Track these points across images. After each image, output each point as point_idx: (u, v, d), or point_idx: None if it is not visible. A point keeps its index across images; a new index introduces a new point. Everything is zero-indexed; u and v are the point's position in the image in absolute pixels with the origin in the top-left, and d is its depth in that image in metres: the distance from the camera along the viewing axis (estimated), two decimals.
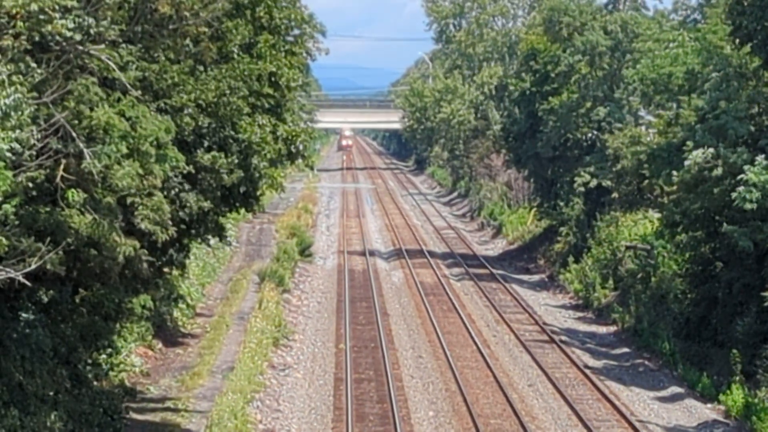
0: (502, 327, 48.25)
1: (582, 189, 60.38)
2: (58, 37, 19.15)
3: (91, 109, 20.26)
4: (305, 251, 65.65)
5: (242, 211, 30.92)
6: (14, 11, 18.57)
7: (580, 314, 53.07)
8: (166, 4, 21.30)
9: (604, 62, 61.39)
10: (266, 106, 27.12)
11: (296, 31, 29.53)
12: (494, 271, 64.50)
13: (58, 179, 19.96)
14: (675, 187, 41.26)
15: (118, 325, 32.95)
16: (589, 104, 62.08)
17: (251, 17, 27.10)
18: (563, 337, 46.39)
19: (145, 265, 22.87)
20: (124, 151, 20.35)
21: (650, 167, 44.95)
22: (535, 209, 76.39)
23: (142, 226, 22.18)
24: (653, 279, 48.16)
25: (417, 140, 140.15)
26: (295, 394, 36.04)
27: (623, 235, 54.59)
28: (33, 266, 18.84)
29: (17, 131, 18.11)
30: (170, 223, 22.86)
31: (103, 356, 32.75)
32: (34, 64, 18.98)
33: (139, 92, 22.15)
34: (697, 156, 38.70)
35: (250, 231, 74.10)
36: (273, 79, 27.28)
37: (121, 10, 21.18)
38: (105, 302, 28.10)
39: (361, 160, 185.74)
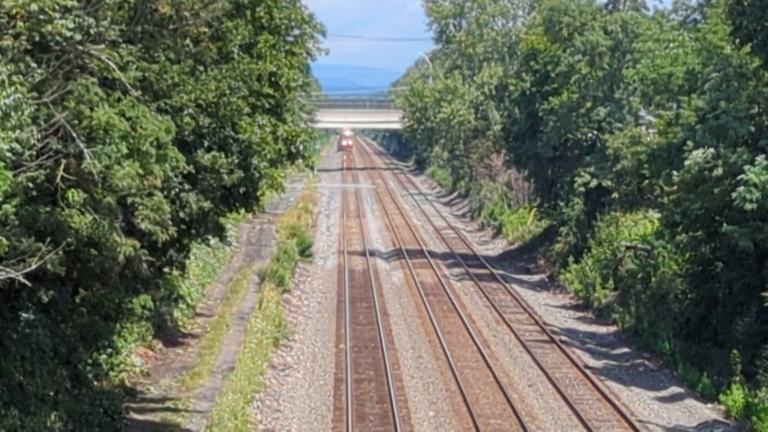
0: (503, 327, 48.25)
1: (582, 189, 60.38)
2: (58, 37, 19.16)
3: (92, 109, 20.27)
4: (305, 251, 65.66)
5: (242, 211, 30.91)
6: (14, 11, 18.57)
7: (581, 314, 53.07)
8: (166, 4, 21.30)
9: (604, 62, 61.38)
10: (266, 106, 27.13)
11: (296, 31, 29.55)
12: (494, 271, 64.50)
13: (58, 179, 19.96)
14: (675, 188, 41.26)
15: (118, 325, 32.98)
16: (589, 104, 62.08)
17: (251, 17, 27.11)
18: (563, 337, 46.39)
19: (145, 265, 22.87)
20: (125, 151, 20.35)
21: (650, 167, 44.94)
22: (535, 209, 76.39)
23: (143, 226, 22.19)
24: (653, 279, 48.17)
25: (417, 140, 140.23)
26: (296, 394, 36.04)
27: (623, 235, 54.59)
28: (33, 266, 18.84)
29: (17, 131, 18.12)
30: (170, 223, 22.87)
31: (103, 356, 32.75)
32: (34, 64, 18.98)
33: (139, 92, 22.16)
34: (697, 156, 38.70)
35: (250, 231, 74.10)
36: (273, 79, 27.29)
37: (121, 10, 21.19)
38: (105, 302, 28.13)
39: (361, 160, 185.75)
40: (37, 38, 19.00)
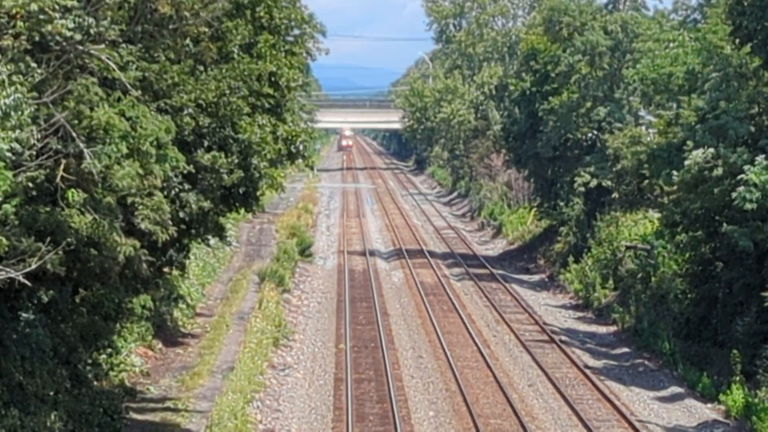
0: (502, 327, 48.25)
1: (582, 189, 60.38)
2: (58, 37, 19.16)
3: (91, 109, 20.27)
4: (305, 251, 65.66)
5: (242, 211, 30.91)
6: (14, 11, 18.57)
7: (580, 314, 53.07)
8: (166, 4, 21.30)
9: (604, 62, 61.38)
10: (266, 106, 27.13)
11: (296, 31, 29.54)
12: (494, 271, 64.50)
13: (58, 179, 19.96)
14: (675, 187, 41.26)
15: (118, 325, 32.98)
16: (589, 104, 62.08)
17: (251, 17, 27.11)
18: (563, 337, 46.40)
19: (144, 265, 22.87)
20: (125, 151, 20.35)
21: (650, 167, 44.94)
22: (535, 209, 76.38)
23: (143, 226, 22.19)
24: (653, 279, 48.16)
25: (417, 140, 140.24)
26: (295, 394, 36.04)
27: (623, 235, 54.59)
28: (33, 266, 18.84)
29: (17, 131, 18.12)
30: (170, 223, 22.87)
31: (103, 356, 32.75)
32: (34, 64, 18.98)
33: (139, 92, 22.16)
34: (697, 156, 38.70)
35: (250, 231, 74.11)
36: (273, 79, 27.29)
37: (121, 10, 21.20)
38: (105, 302, 28.14)
39: (361, 160, 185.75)
40: (37, 38, 19.00)
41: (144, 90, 22.97)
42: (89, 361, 30.92)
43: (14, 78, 18.38)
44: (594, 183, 59.48)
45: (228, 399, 31.63)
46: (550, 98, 64.32)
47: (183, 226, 25.77)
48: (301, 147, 29.14)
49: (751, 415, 33.19)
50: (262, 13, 27.45)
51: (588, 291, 54.63)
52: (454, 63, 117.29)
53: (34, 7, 18.52)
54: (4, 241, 18.55)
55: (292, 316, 48.91)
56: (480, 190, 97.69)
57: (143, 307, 36.72)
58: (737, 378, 35.81)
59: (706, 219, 40.65)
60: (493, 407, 34.71)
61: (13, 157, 18.37)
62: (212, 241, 36.93)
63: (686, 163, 39.07)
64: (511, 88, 74.56)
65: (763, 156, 36.56)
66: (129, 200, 21.82)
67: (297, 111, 30.30)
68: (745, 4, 38.31)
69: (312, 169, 74.79)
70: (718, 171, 38.04)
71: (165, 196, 23.05)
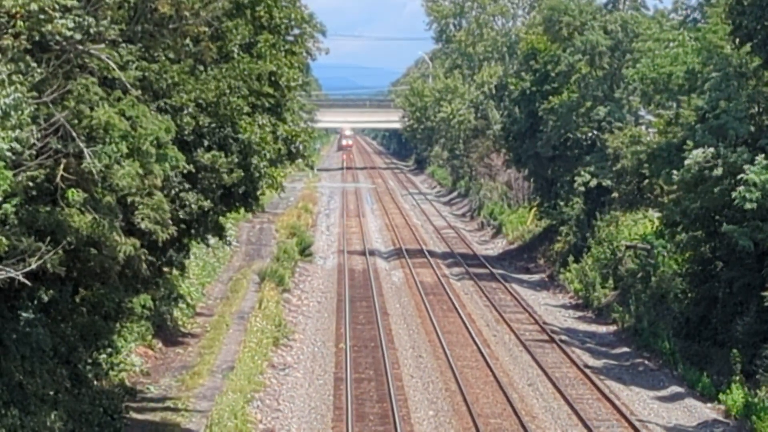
0: (502, 326, 48.25)
1: (582, 188, 60.37)
2: (58, 37, 19.16)
3: (91, 109, 20.27)
4: (305, 251, 65.66)
5: (242, 210, 30.92)
6: (14, 11, 18.58)
7: (580, 314, 53.07)
8: (166, 3, 21.30)
9: (604, 62, 61.37)
10: (266, 105, 27.14)
11: (296, 31, 29.54)
12: (494, 270, 64.49)
13: (58, 179, 19.96)
14: (675, 187, 41.25)
15: (118, 325, 32.98)
16: (589, 104, 62.06)
17: (251, 17, 27.10)
18: (563, 337, 46.40)
19: (144, 264, 22.89)
20: (125, 150, 20.36)
21: (650, 167, 44.94)
22: (535, 209, 76.38)
23: (143, 225, 22.20)
24: (653, 278, 48.16)
25: (417, 140, 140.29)
26: (295, 394, 36.04)
27: (623, 235, 54.59)
28: (33, 266, 18.84)
29: (17, 131, 18.12)
30: (170, 222, 22.88)
31: (103, 356, 32.75)
32: (34, 64, 18.99)
33: (139, 92, 22.17)
34: (697, 155, 38.70)
35: (250, 231, 74.12)
36: (273, 78, 27.29)
37: (121, 9, 21.20)
38: (105, 302, 28.14)
39: (361, 160, 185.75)
40: (37, 38, 19.01)
41: (144, 89, 22.98)
42: (89, 360, 30.93)
43: (14, 77, 18.39)
44: (594, 183, 59.47)
45: (228, 398, 31.63)
46: (550, 98, 64.31)
47: (183, 226, 25.79)
48: (301, 147, 29.15)
49: (751, 414, 33.19)
50: (262, 13, 27.45)
51: (588, 290, 54.62)
52: (454, 63, 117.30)
53: (34, 6, 18.52)
54: (4, 240, 18.56)
55: (292, 316, 48.92)
56: (480, 189, 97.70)
57: (143, 306, 36.72)
58: (737, 377, 35.82)
59: (706, 218, 40.65)
60: (493, 407, 34.71)
61: (13, 157, 18.37)
62: (212, 240, 36.94)
63: (686, 162, 39.07)
64: (511, 87, 74.56)
65: (763, 155, 36.56)
66: (129, 200, 21.83)
67: (297, 111, 30.31)
68: (745, 3, 38.31)
69: (312, 168, 74.78)
70: (718, 170, 38.05)
71: (165, 196, 23.05)
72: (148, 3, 21.48)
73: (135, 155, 20.82)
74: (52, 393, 26.23)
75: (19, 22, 18.67)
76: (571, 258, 59.48)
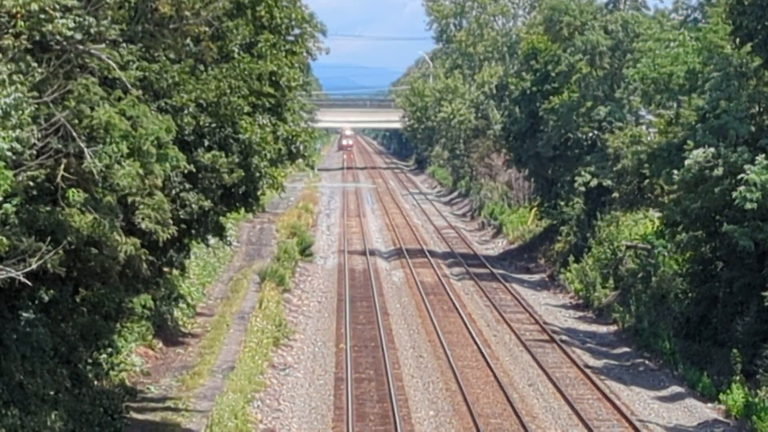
0: (503, 326, 48.24)
1: (582, 188, 60.37)
2: (58, 37, 19.16)
3: (92, 109, 20.27)
4: (306, 251, 65.66)
5: (242, 210, 30.92)
6: (15, 11, 18.58)
7: (581, 314, 53.07)
8: (166, 3, 21.31)
9: (604, 62, 61.36)
10: (267, 105, 27.15)
11: (297, 31, 29.55)
12: (495, 270, 64.49)
13: (58, 179, 19.97)
14: (675, 187, 41.24)
15: (118, 325, 32.98)
16: (589, 104, 62.05)
17: (252, 17, 27.11)
18: (563, 337, 46.39)
19: (145, 264, 22.89)
20: (125, 150, 20.36)
21: (651, 167, 44.93)
22: (535, 209, 76.38)
23: (143, 225, 22.20)
24: (653, 278, 48.15)
25: (417, 140, 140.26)
26: (296, 394, 36.04)
27: (624, 235, 54.59)
28: (33, 266, 18.84)
29: (18, 130, 18.12)
30: (171, 222, 22.87)
31: (104, 356, 32.77)
32: (34, 64, 18.99)
33: (140, 92, 22.17)
34: (697, 155, 38.69)
35: (250, 231, 74.12)
36: (273, 78, 27.30)
37: (121, 9, 21.21)
38: (105, 302, 28.14)
39: (361, 160, 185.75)
40: (37, 37, 19.01)
41: (144, 89, 22.98)
42: (89, 360, 30.94)
43: (15, 77, 18.39)
44: (594, 182, 59.46)
45: (228, 398, 31.62)
46: (551, 98, 64.31)
47: (183, 226, 25.79)
48: (301, 146, 29.16)
49: (751, 414, 33.19)
50: (262, 13, 27.45)
51: (588, 290, 54.62)
52: (455, 62, 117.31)
53: (34, 6, 18.53)
54: (5, 240, 18.56)
55: (293, 316, 48.91)
56: (480, 189, 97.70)
57: (143, 306, 36.72)
58: (737, 377, 35.81)
59: (706, 218, 40.64)
60: (494, 407, 34.71)
61: (14, 157, 18.37)
62: (212, 240, 36.94)
63: (687, 162, 39.06)
64: (512, 87, 74.54)
65: (764, 155, 36.55)
66: (129, 200, 21.83)
67: (297, 110, 30.32)
68: (746, 3, 38.30)
69: (312, 168, 74.77)
70: (719, 170, 38.04)
71: (165, 196, 23.06)
72: (149, 3, 21.49)
73: (135, 155, 20.83)
74: (52, 393, 26.23)
75: (20, 22, 18.67)
76: (571, 258, 59.48)
